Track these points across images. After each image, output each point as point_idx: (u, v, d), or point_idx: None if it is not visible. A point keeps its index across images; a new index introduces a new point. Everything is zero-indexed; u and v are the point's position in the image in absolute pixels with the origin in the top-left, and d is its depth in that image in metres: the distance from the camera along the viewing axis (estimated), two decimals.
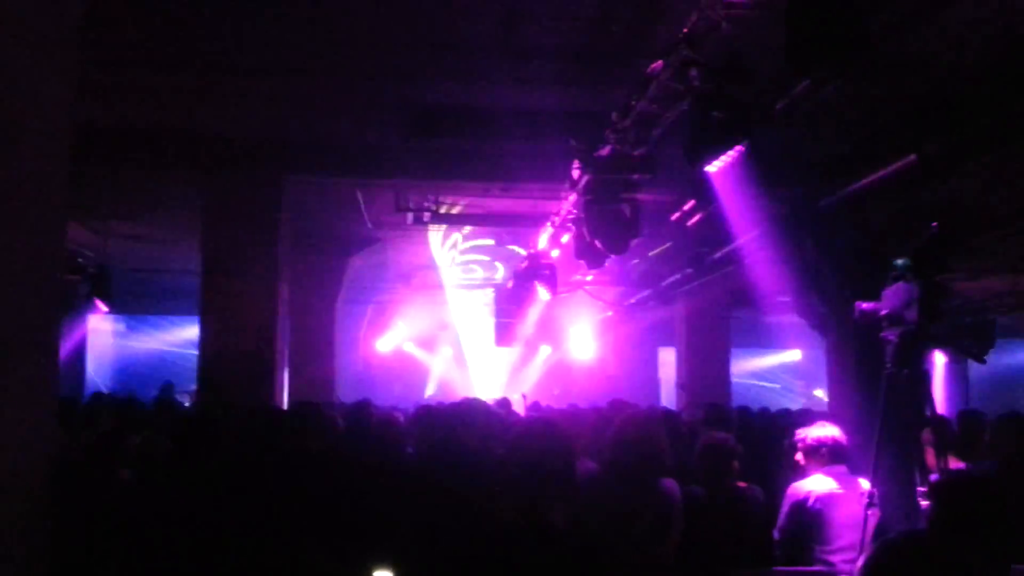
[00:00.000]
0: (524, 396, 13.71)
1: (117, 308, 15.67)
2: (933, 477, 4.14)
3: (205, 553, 3.71)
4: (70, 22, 3.68)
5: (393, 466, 4.71)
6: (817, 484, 4.75)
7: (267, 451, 4.37)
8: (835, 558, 4.56)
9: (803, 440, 4.97)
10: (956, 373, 18.63)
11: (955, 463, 4.58)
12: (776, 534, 4.77)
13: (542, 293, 11.03)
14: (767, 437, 6.94)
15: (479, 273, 16.71)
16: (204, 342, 9.44)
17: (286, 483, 4.07)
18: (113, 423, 5.95)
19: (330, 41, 6.87)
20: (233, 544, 3.66)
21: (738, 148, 5.09)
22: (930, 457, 4.41)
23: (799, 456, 4.96)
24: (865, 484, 4.51)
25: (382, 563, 3.58)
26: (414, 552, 3.50)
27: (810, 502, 4.68)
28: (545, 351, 20.88)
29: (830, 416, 6.06)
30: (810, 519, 4.67)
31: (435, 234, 13.67)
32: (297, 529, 3.77)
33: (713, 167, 5.13)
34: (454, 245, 14.64)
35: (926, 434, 4.67)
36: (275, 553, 3.67)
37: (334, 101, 8.13)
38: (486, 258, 15.62)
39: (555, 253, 10.54)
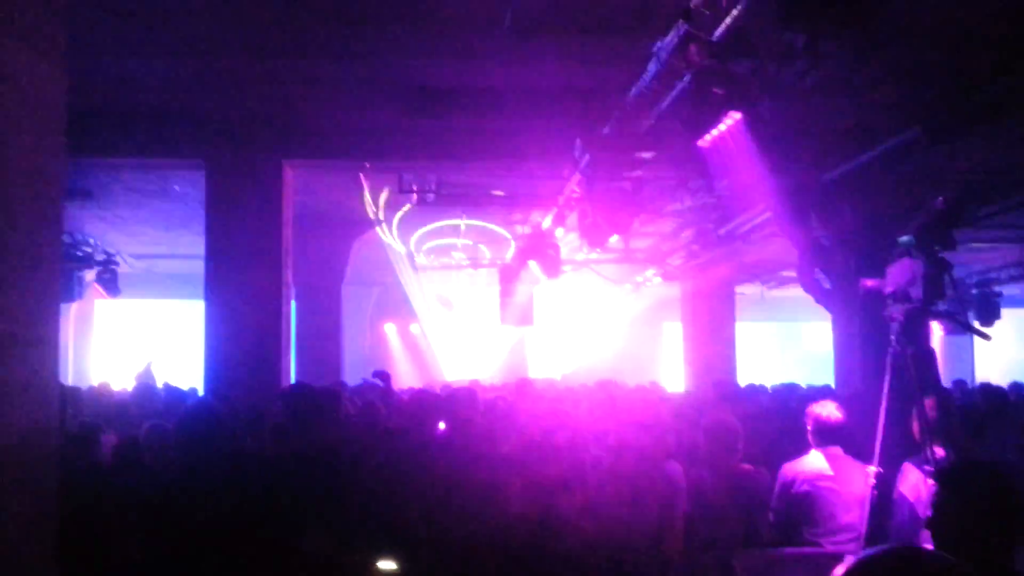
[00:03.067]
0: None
1: (125, 295, 15.71)
2: (939, 453, 4.10)
3: (215, 542, 3.72)
4: (64, 9, 3.64)
5: (400, 454, 4.69)
6: (806, 465, 4.71)
7: (270, 441, 4.36)
8: (825, 540, 4.52)
9: (806, 418, 4.93)
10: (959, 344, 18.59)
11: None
12: (771, 516, 4.75)
13: (541, 274, 11.01)
14: (777, 415, 6.92)
15: (485, 252, 16.66)
16: (210, 327, 9.45)
17: (289, 474, 4.07)
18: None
19: (329, 22, 6.82)
20: (239, 533, 3.66)
21: (734, 117, 5.04)
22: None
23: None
24: (870, 468, 4.48)
25: (386, 552, 3.58)
26: (419, 541, 3.50)
27: (797, 484, 4.65)
28: (552, 327, 20.89)
29: (834, 394, 6.02)
30: (798, 501, 4.63)
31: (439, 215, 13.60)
32: (301, 519, 3.77)
33: (707, 139, 5.09)
34: (459, 225, 14.57)
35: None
36: (280, 543, 3.67)
37: (335, 83, 8.08)
38: (492, 235, 15.55)
39: (560, 232, 10.50)
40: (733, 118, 4.96)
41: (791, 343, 24.83)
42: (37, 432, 3.47)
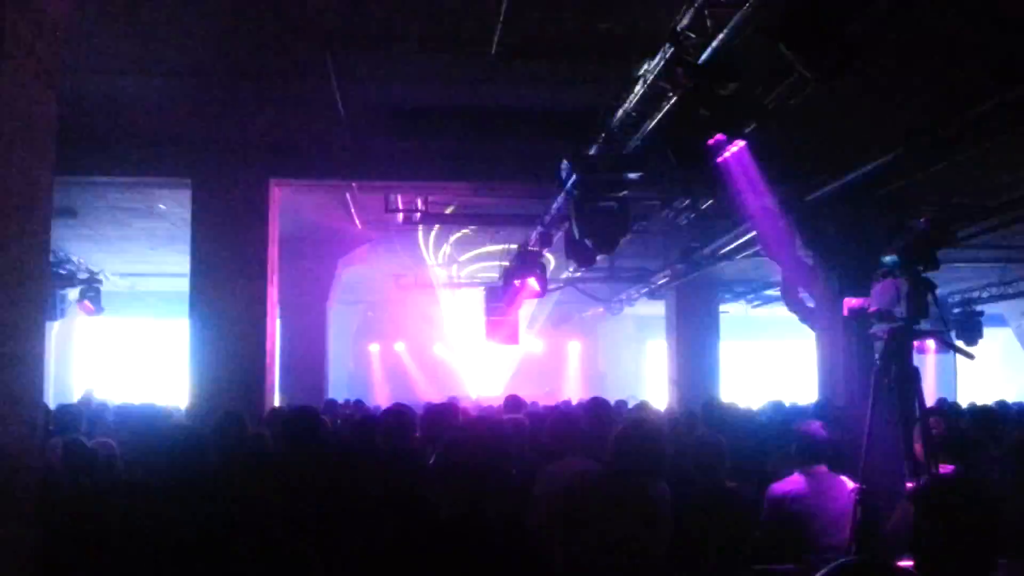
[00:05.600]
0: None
1: (108, 312, 15.64)
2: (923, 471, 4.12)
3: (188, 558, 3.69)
4: (54, 29, 3.65)
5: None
6: (794, 485, 4.74)
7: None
8: (812, 558, 4.53)
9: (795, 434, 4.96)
10: (942, 363, 18.71)
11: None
12: (758, 535, 4.75)
13: (534, 288, 11.04)
14: (763, 433, 6.93)
15: (472, 271, 16.70)
16: (194, 346, 9.41)
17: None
18: None
19: (316, 44, 6.84)
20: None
21: (736, 145, 5.11)
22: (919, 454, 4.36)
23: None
24: (849, 483, 4.51)
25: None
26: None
27: (785, 504, 4.67)
28: (535, 347, 20.89)
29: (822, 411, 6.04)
30: (786, 520, 4.65)
31: (425, 234, 13.64)
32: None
33: (693, 160, 5.15)
34: (445, 245, 14.60)
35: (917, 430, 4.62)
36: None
37: (322, 104, 8.10)
38: (480, 260, 15.60)
39: (546, 252, 10.55)
40: (719, 140, 5.01)
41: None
42: (22, 449, 3.45)
